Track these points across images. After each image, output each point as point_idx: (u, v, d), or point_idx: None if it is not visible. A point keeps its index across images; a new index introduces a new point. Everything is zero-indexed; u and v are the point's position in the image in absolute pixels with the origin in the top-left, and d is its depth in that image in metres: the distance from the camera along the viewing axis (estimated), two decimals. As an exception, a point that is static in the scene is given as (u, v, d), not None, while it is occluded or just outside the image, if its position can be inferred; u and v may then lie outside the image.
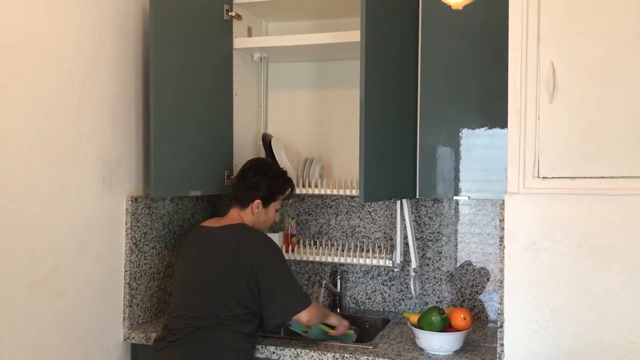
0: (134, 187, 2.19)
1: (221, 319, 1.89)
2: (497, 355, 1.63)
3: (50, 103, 1.84)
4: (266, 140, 2.48)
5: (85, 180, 1.97)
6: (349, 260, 2.36)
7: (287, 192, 2.17)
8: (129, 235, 2.14)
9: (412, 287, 2.32)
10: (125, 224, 2.14)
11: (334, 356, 1.92)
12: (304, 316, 1.95)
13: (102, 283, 2.06)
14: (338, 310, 2.51)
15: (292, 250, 2.47)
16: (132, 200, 2.15)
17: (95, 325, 2.04)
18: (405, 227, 2.28)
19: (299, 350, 1.96)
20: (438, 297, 2.43)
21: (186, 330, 1.88)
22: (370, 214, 2.54)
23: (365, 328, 2.42)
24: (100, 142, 2.04)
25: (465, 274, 2.40)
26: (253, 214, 2.09)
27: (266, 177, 2.10)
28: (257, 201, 2.08)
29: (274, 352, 1.99)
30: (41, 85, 1.81)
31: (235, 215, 2.09)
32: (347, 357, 1.90)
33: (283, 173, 2.18)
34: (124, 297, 2.15)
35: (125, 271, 2.15)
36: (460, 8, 2.07)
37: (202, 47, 2.28)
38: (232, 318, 1.89)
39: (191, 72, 2.23)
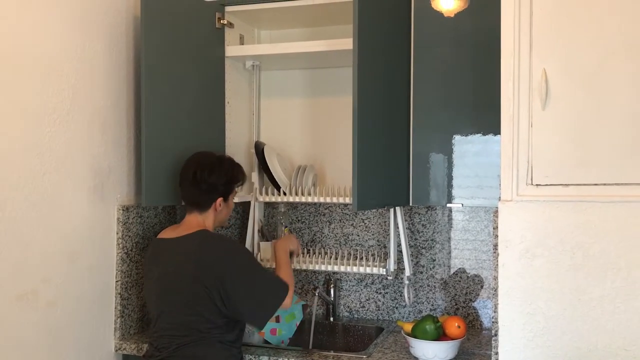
0: (125, 196, 2.17)
1: (204, 333, 1.84)
2: (492, 363, 1.62)
3: (40, 112, 1.82)
4: (259, 149, 2.47)
5: (75, 190, 1.95)
6: (342, 268, 2.35)
7: (242, 178, 2.12)
8: (120, 245, 2.12)
9: (405, 295, 2.31)
10: (117, 233, 2.12)
11: (327, 366, 1.90)
12: (288, 301, 1.94)
13: (93, 293, 2.04)
14: (332, 319, 2.49)
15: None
16: (123, 210, 2.13)
17: (86, 337, 2.01)
18: (399, 234, 2.27)
19: (293, 360, 1.94)
20: (432, 305, 2.42)
21: (171, 347, 1.84)
22: (363, 222, 2.53)
23: (359, 336, 2.41)
24: (91, 151, 2.02)
25: (459, 281, 2.39)
26: (216, 212, 2.02)
27: (222, 174, 2.01)
28: (220, 199, 2.01)
29: (267, 362, 1.98)
30: (31, 94, 1.79)
31: (193, 221, 1.99)
32: (341, 367, 1.89)
33: (233, 162, 2.09)
34: (116, 308, 2.13)
35: (116, 281, 2.12)
36: (452, 15, 2.08)
37: (193, 55, 2.27)
38: (215, 329, 1.85)
39: (183, 81, 2.22)
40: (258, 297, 1.90)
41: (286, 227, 2.59)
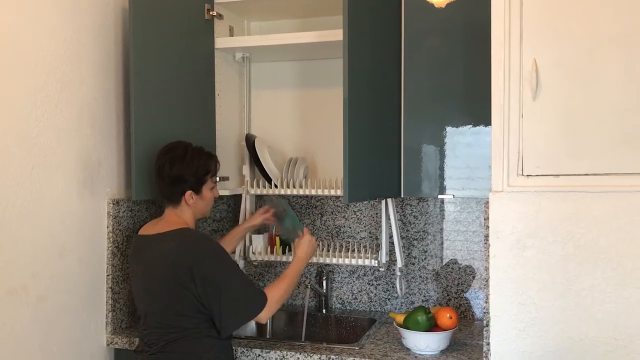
0: (115, 189, 2.16)
1: (190, 329, 1.82)
2: (484, 354, 1.63)
3: (28, 105, 1.80)
4: (249, 141, 2.46)
5: (65, 183, 1.94)
6: (334, 260, 2.35)
7: (213, 168, 1.99)
8: (111, 239, 2.11)
9: (398, 286, 2.31)
10: (107, 227, 2.11)
11: (319, 358, 1.90)
12: (264, 315, 1.83)
13: (84, 288, 2.02)
14: (324, 311, 2.50)
15: (278, 252, 2.45)
16: (113, 203, 2.12)
17: (77, 331, 2.00)
18: (391, 226, 2.27)
19: (285, 352, 1.94)
20: (424, 296, 2.43)
21: (160, 343, 1.83)
22: (355, 214, 2.53)
23: (351, 328, 2.41)
24: (80, 144, 2.00)
25: (451, 272, 2.40)
26: (189, 206, 1.93)
27: (185, 165, 1.90)
28: (189, 192, 1.91)
29: (259, 355, 1.97)
30: (18, 87, 1.77)
31: (172, 216, 1.93)
32: (333, 359, 1.89)
33: (201, 151, 1.97)
34: (107, 302, 2.12)
35: (107, 275, 2.11)
36: (443, 6, 2.07)
37: (183, 47, 2.26)
38: (201, 324, 1.82)
39: (172, 73, 2.20)
40: (230, 303, 1.80)
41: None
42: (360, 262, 2.32)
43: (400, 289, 2.31)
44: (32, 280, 1.81)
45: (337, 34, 2.07)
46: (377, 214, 2.49)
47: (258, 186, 2.43)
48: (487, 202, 1.61)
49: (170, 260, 1.81)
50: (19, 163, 1.77)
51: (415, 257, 2.44)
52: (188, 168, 1.91)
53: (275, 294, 1.87)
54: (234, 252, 2.39)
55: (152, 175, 1.98)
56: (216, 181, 2.05)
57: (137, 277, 1.93)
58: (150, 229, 1.95)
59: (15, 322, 1.76)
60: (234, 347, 1.97)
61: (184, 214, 1.95)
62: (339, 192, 2.28)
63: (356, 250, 2.41)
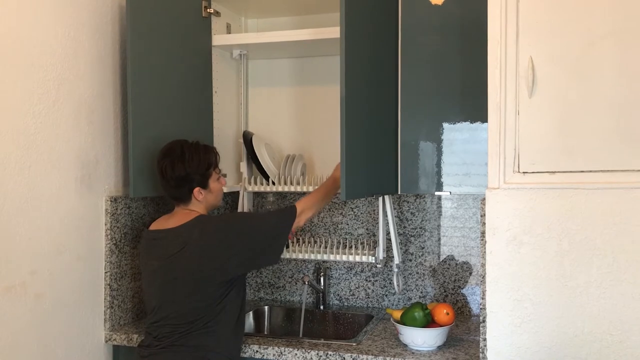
0: (113, 187, 2.16)
1: (206, 321, 1.85)
2: (480, 350, 1.64)
3: (25, 103, 1.80)
4: (247, 138, 2.46)
5: (63, 181, 1.94)
6: (332, 257, 2.36)
7: (214, 160, 2.01)
8: (109, 236, 2.11)
9: (395, 282, 2.32)
10: (105, 224, 2.11)
11: (317, 354, 1.91)
12: (299, 220, 1.97)
13: (82, 285, 2.03)
14: (322, 307, 2.51)
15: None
16: (111, 201, 2.12)
17: (75, 328, 2.01)
18: (388, 223, 2.28)
19: (283, 348, 1.95)
20: (421, 292, 2.44)
21: (173, 337, 1.84)
22: (352, 211, 2.54)
23: (349, 324, 2.42)
24: (78, 141, 2.00)
25: (448, 268, 2.41)
26: (200, 201, 1.97)
27: (185, 165, 1.92)
28: (196, 189, 1.95)
29: (257, 351, 1.98)
30: (15, 85, 1.77)
31: (184, 212, 1.96)
32: (330, 355, 1.90)
33: (197, 146, 1.99)
34: (105, 299, 2.12)
35: (105, 272, 2.12)
36: (440, 3, 2.07)
37: (180, 44, 2.26)
38: (218, 316, 1.86)
39: (170, 70, 2.20)
40: (267, 243, 1.92)
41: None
42: (357, 258, 2.33)
43: (398, 285, 2.32)
44: (30, 277, 1.82)
45: (334, 31, 2.07)
46: (374, 210, 2.50)
47: (255, 183, 2.43)
48: (484, 199, 1.61)
49: (195, 249, 1.85)
50: (17, 160, 1.77)
51: (412, 254, 2.45)
52: (190, 167, 1.93)
53: (305, 203, 2.01)
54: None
55: (157, 177, 2.00)
56: (219, 171, 2.06)
57: (151, 271, 1.93)
58: (163, 224, 1.96)
59: (13, 320, 1.76)
60: (232, 344, 1.98)
61: (197, 208, 1.99)
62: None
63: (353, 246, 2.41)
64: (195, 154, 1.96)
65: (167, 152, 1.97)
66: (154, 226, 2.00)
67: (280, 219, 1.97)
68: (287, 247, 2.49)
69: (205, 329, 1.85)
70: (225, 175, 2.43)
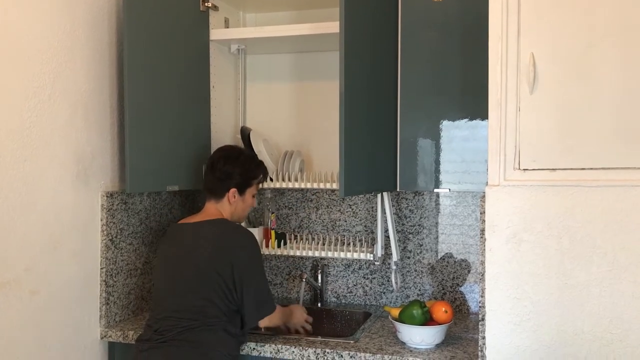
0: (109, 182, 2.14)
1: (210, 318, 1.85)
2: (479, 348, 1.62)
3: (21, 97, 1.78)
4: (245, 134, 2.45)
5: (58, 176, 1.92)
6: (329, 254, 2.35)
7: (261, 176, 2.14)
8: (105, 232, 2.10)
9: (393, 280, 2.31)
10: (101, 220, 2.09)
11: (314, 352, 1.90)
12: (263, 322, 1.95)
13: (78, 281, 2.01)
14: (319, 304, 2.49)
15: (273, 246, 2.44)
16: (107, 196, 2.10)
17: (70, 325, 1.99)
18: (386, 220, 2.26)
19: (280, 346, 1.94)
20: (419, 290, 2.43)
21: (175, 331, 1.84)
22: (351, 207, 2.53)
23: (347, 322, 2.41)
24: (74, 136, 1.98)
25: (446, 266, 2.40)
26: (230, 204, 2.05)
27: (237, 164, 2.06)
28: (233, 190, 2.04)
29: (254, 349, 1.97)
30: (11, 78, 1.75)
31: (212, 209, 2.05)
32: (328, 352, 1.89)
33: (253, 157, 2.16)
34: (101, 295, 2.11)
35: (101, 268, 2.10)
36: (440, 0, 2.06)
37: (177, 38, 2.24)
38: (221, 316, 1.87)
39: (167, 65, 2.18)
40: (259, 297, 1.93)
41: (273, 212, 2.57)
42: (355, 255, 2.32)
43: (396, 283, 2.31)
44: (25, 274, 1.80)
45: (333, 26, 2.06)
46: (372, 207, 2.48)
47: (253, 179, 2.41)
48: (483, 196, 1.60)
49: (212, 245, 1.91)
50: (12, 155, 1.75)
51: (410, 251, 2.44)
52: (239, 167, 2.06)
53: (278, 313, 2.01)
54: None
55: (204, 170, 2.14)
56: (258, 190, 2.15)
57: (164, 262, 2.00)
58: (190, 219, 2.05)
59: (7, 317, 1.75)
60: (228, 341, 1.97)
61: (224, 209, 2.06)
62: (335, 186, 2.27)
63: (351, 243, 2.40)
64: (248, 161, 2.11)
65: (225, 149, 2.14)
66: (182, 221, 2.06)
67: (264, 303, 1.95)
68: (285, 244, 2.48)
69: (209, 326, 1.85)
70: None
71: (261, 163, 2.17)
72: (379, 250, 2.29)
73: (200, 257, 1.90)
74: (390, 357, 1.83)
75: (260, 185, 2.37)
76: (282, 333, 2.10)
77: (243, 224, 2.49)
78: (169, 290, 1.94)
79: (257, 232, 2.46)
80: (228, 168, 2.05)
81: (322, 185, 2.29)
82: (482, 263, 1.61)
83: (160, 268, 2.02)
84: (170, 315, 1.88)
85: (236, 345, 1.92)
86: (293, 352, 1.92)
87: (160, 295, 1.96)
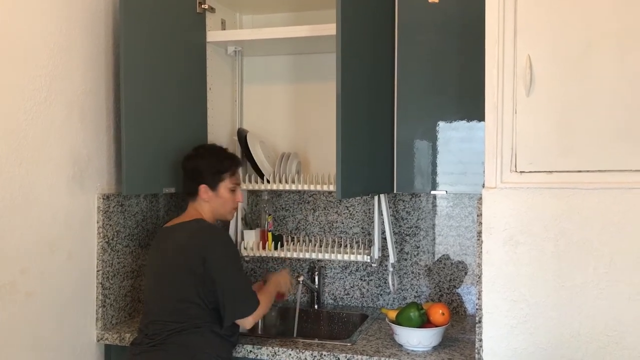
0: (105, 184, 2.14)
1: (194, 319, 1.85)
2: (476, 350, 1.62)
3: (17, 99, 1.77)
4: (241, 136, 2.44)
5: (54, 178, 1.91)
6: (326, 256, 2.34)
7: (232, 168, 2.05)
8: (101, 234, 2.09)
9: (390, 282, 2.31)
10: (97, 222, 2.09)
11: (311, 354, 1.90)
12: (248, 322, 1.88)
13: (74, 283, 2.00)
14: (316, 306, 2.49)
15: (270, 248, 2.44)
16: (103, 198, 2.09)
17: (67, 327, 1.98)
18: (383, 222, 2.26)
19: (277, 348, 1.93)
20: (416, 292, 2.43)
21: (163, 334, 1.84)
22: (348, 209, 2.52)
23: (344, 324, 2.41)
24: (70, 138, 1.98)
25: (443, 268, 2.39)
26: (206, 201, 2.02)
27: (203, 159, 2.03)
28: (203, 187, 2.00)
29: (250, 351, 1.96)
30: (7, 80, 1.74)
31: (191, 210, 2.03)
32: (325, 355, 1.88)
33: (221, 150, 2.10)
34: (97, 297, 2.10)
35: (97, 271, 2.09)
36: (437, 1, 2.06)
37: (174, 40, 2.23)
38: (205, 316, 1.85)
39: (163, 67, 2.18)
40: (233, 296, 1.86)
41: (270, 214, 2.57)
42: (352, 257, 2.31)
43: (393, 285, 2.31)
44: (20, 276, 1.79)
45: (330, 28, 2.05)
46: (369, 209, 2.48)
47: (250, 181, 2.41)
48: (480, 198, 1.60)
49: (182, 246, 1.90)
50: (7, 157, 1.74)
51: (407, 253, 2.43)
52: (202, 162, 2.03)
53: (263, 305, 1.92)
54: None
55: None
56: (237, 184, 2.08)
57: (151, 266, 2.01)
58: (172, 222, 2.04)
59: (3, 319, 1.74)
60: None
61: (202, 208, 2.03)
62: (332, 188, 2.27)
63: (348, 245, 2.40)
64: (213, 154, 2.07)
65: (196, 148, 2.11)
66: (167, 224, 2.05)
67: (241, 301, 1.87)
68: (282, 246, 2.47)
69: (195, 328, 1.84)
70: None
71: (231, 156, 2.09)
72: (376, 252, 2.28)
73: (174, 259, 1.89)
74: (387, 359, 1.83)
75: (247, 183, 2.36)
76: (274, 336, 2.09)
77: (240, 225, 2.49)
78: (154, 294, 1.94)
79: (253, 234, 2.46)
80: (194, 165, 2.03)
81: (319, 187, 2.29)
82: (479, 265, 1.61)
83: (147, 272, 2.03)
84: (157, 319, 1.88)
85: (226, 347, 1.90)
86: (290, 354, 1.92)
87: (148, 299, 1.97)
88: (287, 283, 2.16)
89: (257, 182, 2.41)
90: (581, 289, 1.52)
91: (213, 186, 2.02)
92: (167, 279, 1.90)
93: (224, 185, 2.03)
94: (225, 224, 2.49)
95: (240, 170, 2.12)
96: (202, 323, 1.85)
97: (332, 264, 2.54)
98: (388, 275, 2.35)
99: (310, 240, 2.52)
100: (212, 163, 2.03)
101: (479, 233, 1.60)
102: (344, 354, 1.87)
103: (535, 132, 1.56)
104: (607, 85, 1.51)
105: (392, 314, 2.00)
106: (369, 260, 2.29)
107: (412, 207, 2.43)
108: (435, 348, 1.93)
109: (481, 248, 1.60)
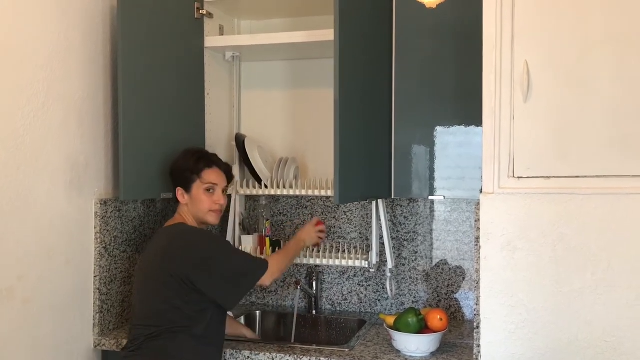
0: (103, 189, 2.13)
1: (173, 323, 1.85)
2: (474, 356, 1.62)
3: (15, 104, 1.77)
4: (239, 141, 2.44)
5: (52, 184, 1.91)
6: (324, 261, 2.34)
7: (203, 167, 2.01)
8: (99, 239, 2.09)
9: (388, 287, 2.31)
10: (95, 227, 2.08)
11: (310, 360, 1.89)
12: (267, 278, 1.94)
13: (71, 289, 2.00)
14: (314, 312, 2.48)
15: (267, 253, 2.43)
16: (101, 204, 2.09)
17: (64, 333, 1.97)
18: (381, 227, 2.26)
19: (274, 354, 1.93)
20: (414, 297, 2.42)
21: (141, 339, 1.85)
22: (345, 214, 2.52)
23: (341, 329, 2.40)
24: (68, 144, 1.97)
25: (441, 273, 2.39)
26: (185, 204, 2.02)
27: (177, 162, 2.04)
28: (178, 189, 2.02)
29: (248, 357, 1.96)
30: (5, 85, 1.74)
31: (176, 215, 2.05)
32: (323, 361, 1.88)
33: (194, 151, 2.07)
34: (94, 303, 2.09)
35: (95, 276, 2.09)
36: (434, 7, 2.06)
37: (172, 46, 2.23)
38: (184, 319, 1.85)
39: (161, 72, 2.18)
40: (228, 281, 1.88)
41: (268, 220, 2.56)
42: (350, 263, 2.31)
43: (391, 290, 2.30)
44: (17, 282, 1.79)
45: (328, 34, 2.06)
46: (367, 214, 2.48)
47: (248, 186, 2.41)
48: (478, 204, 1.60)
49: (161, 250, 1.90)
50: (5, 162, 1.74)
51: (405, 258, 2.43)
52: (175, 165, 2.05)
53: (275, 263, 2.00)
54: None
55: None
56: (212, 184, 2.02)
57: (137, 271, 2.03)
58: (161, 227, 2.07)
59: (0, 325, 1.73)
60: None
61: (183, 212, 2.04)
62: (330, 193, 2.27)
63: (346, 251, 2.40)
64: (187, 156, 2.05)
65: (179, 154, 2.10)
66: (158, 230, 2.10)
67: (250, 268, 1.94)
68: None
69: (171, 332, 1.85)
70: (230, 196, 2.39)
71: (204, 155, 2.07)
72: (374, 258, 2.28)
73: (154, 264, 1.91)
74: (385, 365, 1.83)
75: (245, 188, 2.36)
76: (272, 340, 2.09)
77: (238, 230, 2.49)
78: (138, 299, 1.96)
79: (251, 240, 2.45)
80: (170, 168, 2.06)
81: (317, 192, 2.29)
82: (477, 271, 1.61)
83: (134, 277, 2.07)
84: (139, 324, 1.90)
85: (205, 352, 1.89)
86: (288, 360, 1.91)
87: (133, 304, 1.99)
88: (311, 235, 2.22)
89: (255, 187, 2.40)
90: (579, 295, 1.52)
91: (186, 188, 2.01)
92: (149, 284, 1.92)
93: (197, 186, 2.00)
94: (215, 228, 2.48)
95: (218, 170, 2.05)
96: (179, 328, 1.85)
97: (330, 270, 2.54)
98: (386, 280, 2.35)
99: (308, 246, 2.51)
100: (183, 165, 2.03)
101: (477, 238, 1.60)
102: (342, 360, 1.87)
103: (532, 137, 1.57)
104: (604, 90, 1.51)
105: (390, 320, 2.00)
106: (366, 266, 2.29)
107: (410, 213, 2.43)
108: (433, 354, 1.93)
109: (479, 253, 1.60)
